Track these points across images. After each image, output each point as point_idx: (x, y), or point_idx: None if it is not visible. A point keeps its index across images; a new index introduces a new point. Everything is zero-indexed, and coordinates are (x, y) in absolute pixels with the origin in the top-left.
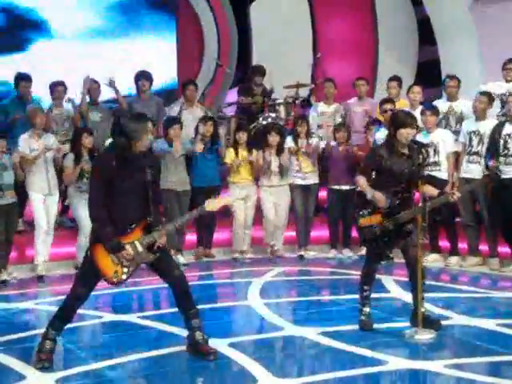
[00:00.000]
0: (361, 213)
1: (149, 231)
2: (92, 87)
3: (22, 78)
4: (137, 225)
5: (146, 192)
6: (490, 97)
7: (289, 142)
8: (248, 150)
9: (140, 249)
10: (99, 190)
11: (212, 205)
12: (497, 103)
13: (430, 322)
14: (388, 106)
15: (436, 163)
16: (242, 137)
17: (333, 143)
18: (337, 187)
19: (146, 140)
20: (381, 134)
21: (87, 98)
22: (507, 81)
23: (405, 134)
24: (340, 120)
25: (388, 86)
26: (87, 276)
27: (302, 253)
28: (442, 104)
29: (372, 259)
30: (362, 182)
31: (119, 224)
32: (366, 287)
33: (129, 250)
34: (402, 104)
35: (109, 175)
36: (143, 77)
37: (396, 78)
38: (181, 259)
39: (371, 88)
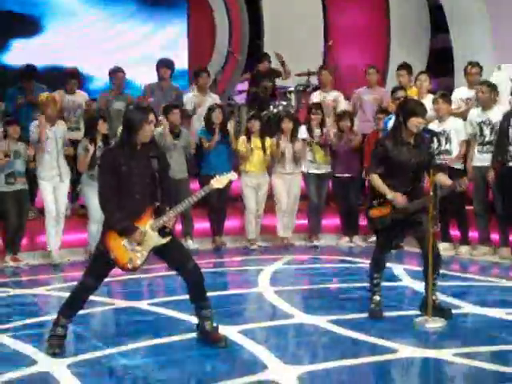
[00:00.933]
0: (371, 204)
1: (158, 216)
2: (117, 75)
3: (28, 74)
4: (145, 211)
5: (154, 180)
6: (491, 86)
7: (303, 131)
8: (261, 138)
9: (151, 233)
10: (108, 180)
11: (218, 182)
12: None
13: (441, 311)
14: (400, 94)
15: (447, 151)
16: (255, 125)
17: (334, 131)
18: (338, 175)
19: (148, 131)
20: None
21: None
22: None
23: (416, 122)
24: (341, 108)
25: (397, 75)
26: (99, 267)
27: (314, 241)
28: (465, 91)
29: (381, 248)
30: (378, 183)
31: (128, 212)
32: (375, 275)
33: (141, 231)
34: (414, 92)
35: (115, 165)
36: (165, 64)
37: (405, 66)
38: (190, 244)
39: (383, 76)
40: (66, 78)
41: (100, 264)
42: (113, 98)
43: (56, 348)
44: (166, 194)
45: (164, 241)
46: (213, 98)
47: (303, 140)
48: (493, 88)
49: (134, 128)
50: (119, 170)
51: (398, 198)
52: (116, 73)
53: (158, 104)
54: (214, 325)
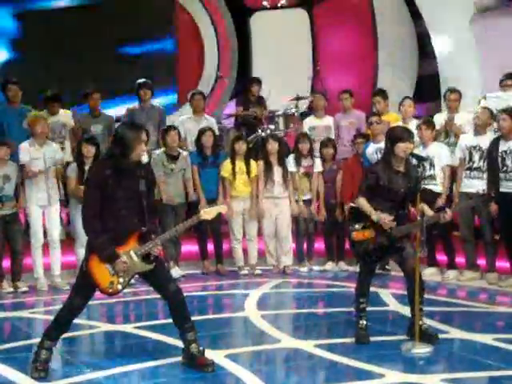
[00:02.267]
0: (354, 227)
1: (144, 241)
2: (93, 97)
3: (10, 82)
4: (131, 235)
5: (141, 202)
6: (491, 112)
7: (291, 162)
8: (245, 161)
9: (135, 259)
10: (94, 200)
11: (207, 213)
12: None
13: (428, 336)
14: (374, 119)
15: (432, 177)
16: (242, 147)
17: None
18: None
19: (140, 150)
20: (371, 149)
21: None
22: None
23: (403, 147)
24: (332, 134)
25: (373, 102)
26: (83, 287)
27: (301, 266)
28: (441, 117)
29: (365, 272)
30: (364, 205)
31: (114, 234)
32: (361, 299)
33: (124, 260)
34: (393, 118)
35: (103, 183)
36: (144, 86)
37: (379, 92)
38: (177, 271)
39: (370, 101)
40: (47, 101)
41: (85, 284)
42: (91, 122)
43: (41, 372)
44: (151, 218)
45: (147, 268)
46: (208, 121)
47: (291, 174)
48: (492, 115)
49: (127, 147)
50: (106, 186)
51: (384, 218)
52: (91, 95)
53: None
54: (201, 348)
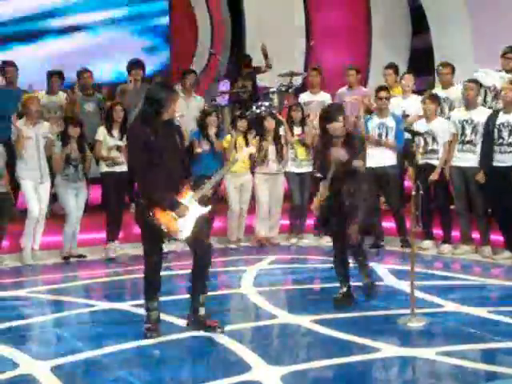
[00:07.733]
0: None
1: (194, 188)
2: (83, 76)
3: (8, 65)
4: (183, 184)
5: (181, 154)
6: (478, 84)
7: (283, 129)
8: (244, 138)
9: (194, 204)
10: (142, 161)
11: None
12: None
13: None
14: (383, 94)
15: (434, 151)
16: (244, 125)
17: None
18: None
19: (173, 109)
20: (373, 123)
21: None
22: (507, 71)
23: (331, 128)
24: None
25: (384, 74)
26: (152, 243)
27: (296, 241)
28: (440, 92)
29: (334, 241)
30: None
31: (167, 186)
32: (337, 270)
33: (186, 205)
34: (399, 92)
35: (145, 143)
36: (136, 65)
37: (392, 66)
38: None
39: (364, 76)
40: (50, 76)
41: (152, 238)
42: (83, 100)
43: (153, 332)
44: (188, 168)
45: (205, 210)
46: (197, 100)
47: (284, 137)
48: (478, 87)
49: (160, 106)
50: (150, 147)
51: (322, 191)
52: (82, 73)
53: (133, 105)
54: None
